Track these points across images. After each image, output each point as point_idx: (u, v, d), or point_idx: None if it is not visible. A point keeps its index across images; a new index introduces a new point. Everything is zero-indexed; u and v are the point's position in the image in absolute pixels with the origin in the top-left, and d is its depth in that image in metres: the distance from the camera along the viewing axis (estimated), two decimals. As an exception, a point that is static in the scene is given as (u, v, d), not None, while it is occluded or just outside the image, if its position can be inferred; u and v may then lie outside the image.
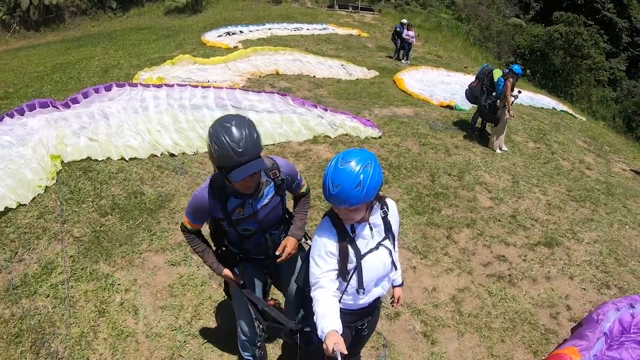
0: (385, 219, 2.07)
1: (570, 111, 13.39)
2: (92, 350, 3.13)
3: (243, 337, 2.65)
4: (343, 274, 1.97)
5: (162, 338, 3.29)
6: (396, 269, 2.16)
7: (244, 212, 2.28)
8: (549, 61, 21.70)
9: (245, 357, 2.81)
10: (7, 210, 4.33)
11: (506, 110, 7.71)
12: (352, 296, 2.08)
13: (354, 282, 2.01)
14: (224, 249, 2.59)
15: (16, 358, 2.99)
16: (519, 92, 7.93)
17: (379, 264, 2.04)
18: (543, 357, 3.57)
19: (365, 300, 2.13)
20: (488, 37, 22.67)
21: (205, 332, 3.38)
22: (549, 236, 5.47)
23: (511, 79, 7.58)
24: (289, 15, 19.84)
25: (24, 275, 3.69)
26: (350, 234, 1.98)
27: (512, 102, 7.81)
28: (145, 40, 14.65)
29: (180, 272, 4.00)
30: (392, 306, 2.49)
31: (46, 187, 4.76)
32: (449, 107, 9.96)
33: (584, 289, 4.59)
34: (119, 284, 3.75)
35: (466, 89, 8.55)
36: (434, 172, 6.65)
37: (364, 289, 2.03)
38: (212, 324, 3.48)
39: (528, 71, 21.19)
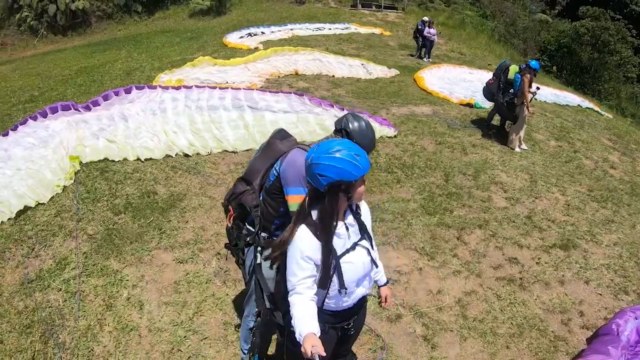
0: (358, 220, 2.08)
1: (597, 108, 12.88)
2: (97, 342, 3.26)
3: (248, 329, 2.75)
4: (324, 277, 1.97)
5: (163, 333, 3.39)
6: (376, 266, 2.16)
7: None
8: (576, 57, 20.90)
9: (244, 349, 2.90)
10: (27, 208, 4.55)
11: (525, 108, 7.50)
12: (335, 298, 2.09)
13: (334, 283, 2.01)
14: None
15: (26, 347, 3.15)
16: (538, 88, 7.69)
17: (358, 263, 2.04)
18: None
19: (349, 301, 2.14)
20: (513, 33, 22.05)
21: (205, 328, 3.46)
22: (566, 238, 5.30)
23: (528, 75, 7.37)
24: (312, 16, 19.88)
25: (39, 270, 3.87)
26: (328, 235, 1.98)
27: (531, 99, 7.58)
28: (168, 42, 15.01)
29: (187, 269, 4.10)
30: (381, 306, 2.48)
31: (64, 186, 4.96)
32: (469, 105, 9.77)
33: (600, 295, 4.42)
34: (127, 280, 3.88)
35: (484, 87, 8.38)
36: (449, 171, 6.54)
37: (345, 289, 2.02)
38: (213, 320, 3.55)
39: (555, 68, 20.50)
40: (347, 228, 2.03)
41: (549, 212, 5.88)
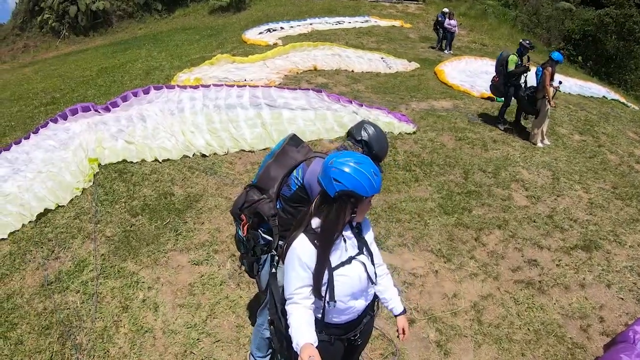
0: (357, 235, 2.05)
1: (622, 100, 12.38)
2: (112, 343, 3.33)
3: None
4: (315, 287, 1.95)
5: (177, 335, 3.44)
6: (373, 283, 2.11)
7: None
8: (601, 46, 20.08)
9: (255, 355, 2.92)
10: (47, 211, 4.68)
11: (546, 101, 7.26)
12: (336, 312, 2.07)
13: (328, 295, 1.99)
14: None
15: (44, 348, 3.25)
16: (560, 82, 7.44)
17: (353, 277, 2.01)
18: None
19: (350, 312, 2.11)
20: (536, 23, 21.33)
21: (218, 331, 3.50)
22: (588, 239, 5.13)
23: (550, 68, 7.13)
24: (331, 9, 19.73)
25: (59, 272, 3.98)
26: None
27: (554, 94, 7.34)
28: (188, 40, 15.15)
29: (202, 271, 4.15)
30: (400, 338, 2.38)
31: (83, 189, 5.08)
32: (490, 98, 9.54)
33: (622, 299, 4.27)
34: (143, 282, 3.95)
35: (490, 85, 8.18)
36: (468, 168, 6.41)
37: (334, 302, 1.99)
38: (226, 323, 3.58)
39: (580, 58, 19.75)
40: (344, 240, 2.00)
41: (571, 210, 5.70)
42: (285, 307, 1.96)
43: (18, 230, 4.44)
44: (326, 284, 1.95)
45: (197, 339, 3.42)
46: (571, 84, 11.89)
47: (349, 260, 2.00)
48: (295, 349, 1.84)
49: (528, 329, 3.81)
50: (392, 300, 2.29)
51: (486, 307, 4.01)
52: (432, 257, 4.61)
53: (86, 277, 3.93)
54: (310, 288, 1.93)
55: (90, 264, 4.08)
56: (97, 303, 3.67)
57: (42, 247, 4.22)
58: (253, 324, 3.31)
